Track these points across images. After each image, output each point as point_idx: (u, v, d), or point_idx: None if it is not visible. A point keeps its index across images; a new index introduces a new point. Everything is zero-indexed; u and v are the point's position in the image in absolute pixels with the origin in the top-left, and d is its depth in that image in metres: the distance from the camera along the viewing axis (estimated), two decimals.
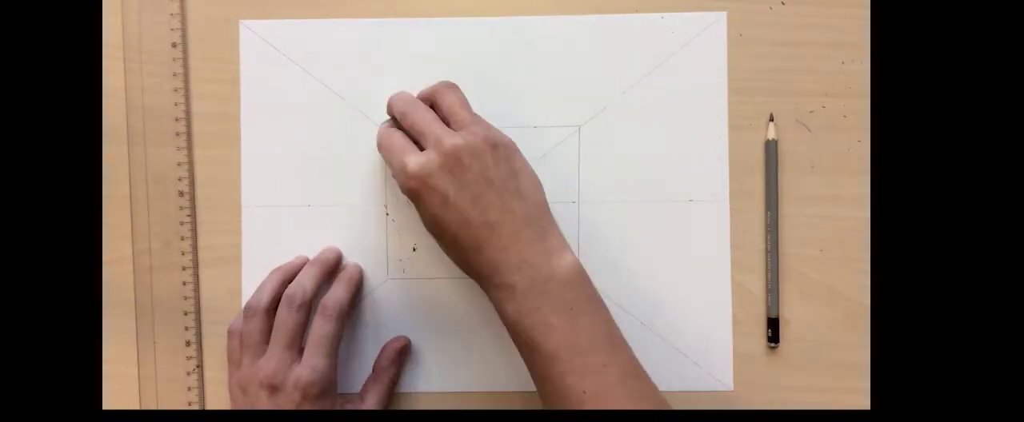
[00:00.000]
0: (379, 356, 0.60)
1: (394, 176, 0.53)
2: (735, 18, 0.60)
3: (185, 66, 0.61)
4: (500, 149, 0.52)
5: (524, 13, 0.61)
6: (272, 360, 0.54)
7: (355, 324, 0.61)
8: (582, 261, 0.59)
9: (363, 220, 0.61)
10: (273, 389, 0.53)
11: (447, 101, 0.54)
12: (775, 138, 0.59)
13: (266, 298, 0.56)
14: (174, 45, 0.61)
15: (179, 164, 0.61)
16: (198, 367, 0.61)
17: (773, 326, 0.59)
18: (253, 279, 0.60)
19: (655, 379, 0.60)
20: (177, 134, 0.61)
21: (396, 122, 0.55)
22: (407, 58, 0.61)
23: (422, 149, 0.52)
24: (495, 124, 0.59)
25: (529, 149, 0.59)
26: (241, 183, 0.61)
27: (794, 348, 0.60)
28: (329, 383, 0.55)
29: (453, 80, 0.59)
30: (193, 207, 0.61)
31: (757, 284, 0.60)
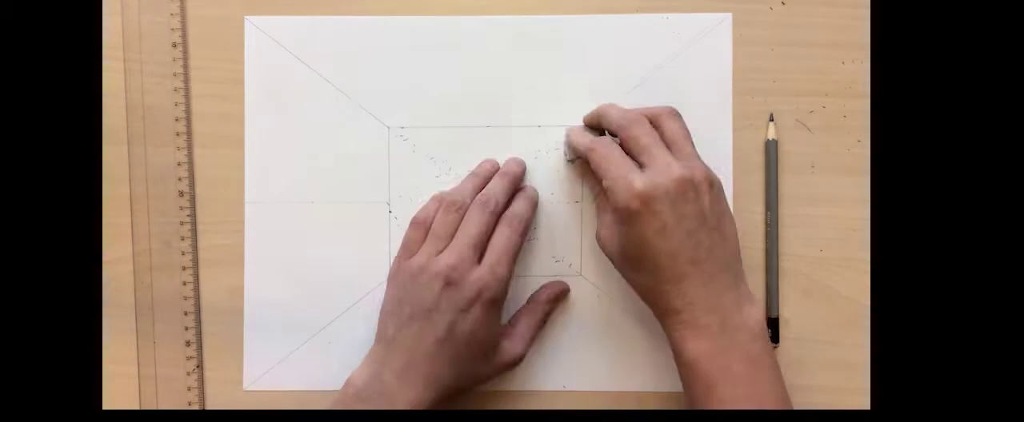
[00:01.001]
0: (539, 291, 0.60)
1: (607, 189, 0.52)
2: (735, 18, 0.60)
3: (185, 66, 0.61)
4: (716, 188, 0.52)
5: (529, 12, 0.61)
6: (455, 254, 0.54)
7: (358, 324, 0.61)
8: (584, 260, 0.60)
9: (366, 218, 0.61)
10: (450, 283, 0.53)
11: (672, 128, 0.54)
12: (775, 138, 0.59)
13: (467, 196, 0.57)
14: (174, 45, 0.61)
15: (179, 164, 0.61)
16: (198, 367, 0.61)
17: (773, 326, 0.59)
18: (256, 277, 0.60)
19: (657, 379, 0.60)
20: (177, 134, 0.61)
21: (595, 133, 0.57)
22: (412, 56, 0.61)
23: (641, 168, 0.52)
24: (500, 124, 0.60)
25: (532, 148, 0.60)
26: (244, 180, 0.61)
27: (794, 348, 0.60)
28: (503, 291, 0.55)
29: (458, 78, 0.59)
30: (193, 207, 0.61)
31: (757, 284, 0.60)
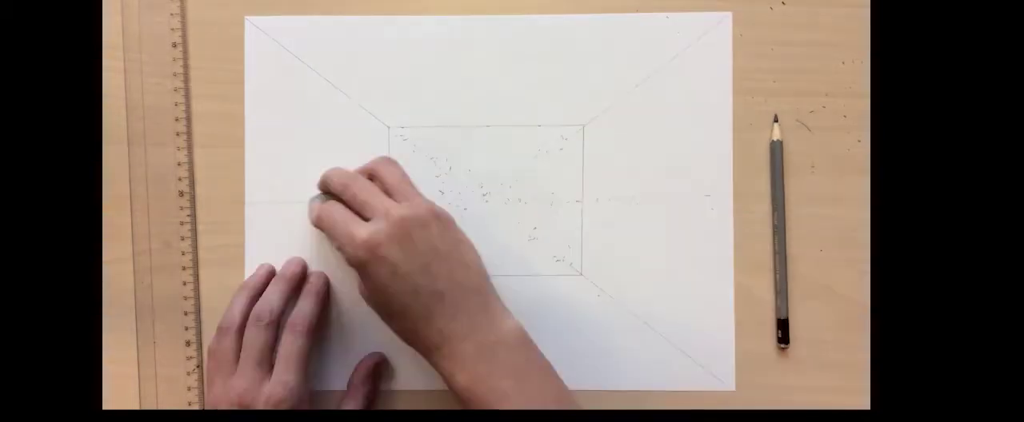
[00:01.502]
0: (353, 373, 0.60)
1: (339, 248, 0.53)
2: (736, 18, 0.60)
3: (185, 66, 0.61)
4: (444, 219, 0.53)
5: (530, 11, 0.61)
6: (243, 379, 0.54)
7: (358, 324, 0.61)
8: (586, 261, 0.60)
9: None
10: (246, 407, 0.53)
11: (390, 174, 0.56)
12: (780, 139, 0.59)
13: (237, 316, 0.56)
14: (174, 45, 0.61)
15: (179, 164, 0.61)
16: (198, 367, 0.61)
17: (783, 327, 0.59)
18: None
19: (657, 379, 0.60)
20: (177, 134, 0.61)
21: (331, 197, 0.56)
22: (412, 55, 0.61)
23: (366, 220, 0.53)
24: (499, 123, 0.60)
25: (533, 147, 0.60)
26: (245, 180, 0.61)
27: (794, 348, 0.60)
28: (300, 399, 0.55)
29: (458, 77, 0.59)
30: (193, 207, 0.61)
31: (759, 285, 0.60)
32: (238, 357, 0.55)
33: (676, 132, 0.60)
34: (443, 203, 0.60)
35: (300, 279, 0.59)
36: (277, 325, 0.56)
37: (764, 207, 0.60)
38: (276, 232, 0.61)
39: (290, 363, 0.55)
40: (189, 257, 0.61)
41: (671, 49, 0.60)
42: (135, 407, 0.60)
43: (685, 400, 0.60)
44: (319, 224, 0.55)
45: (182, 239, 0.61)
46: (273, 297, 0.57)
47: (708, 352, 0.60)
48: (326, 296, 0.60)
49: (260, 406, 0.53)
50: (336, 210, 0.54)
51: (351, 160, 0.60)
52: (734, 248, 0.60)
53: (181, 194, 0.60)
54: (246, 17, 0.61)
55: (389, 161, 0.57)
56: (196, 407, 0.60)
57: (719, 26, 0.60)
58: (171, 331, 0.61)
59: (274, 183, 0.61)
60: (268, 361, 0.55)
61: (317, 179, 0.59)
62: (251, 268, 0.61)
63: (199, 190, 0.61)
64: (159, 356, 0.61)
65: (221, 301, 0.60)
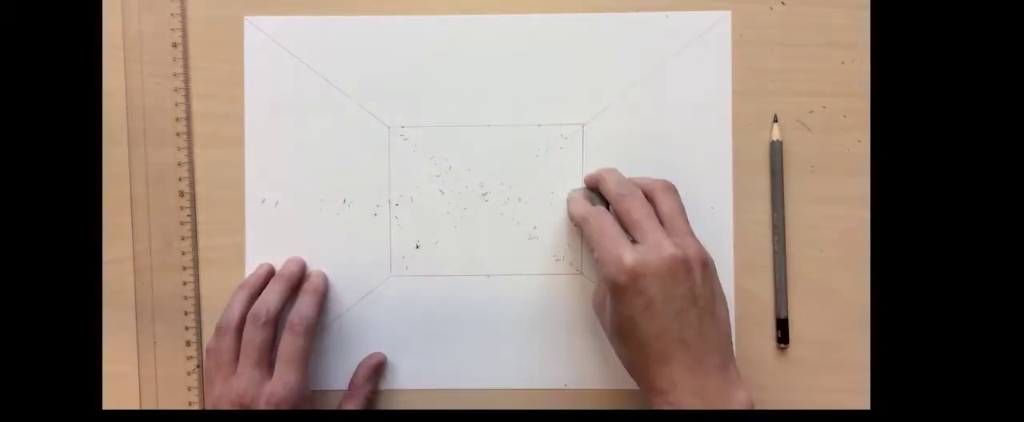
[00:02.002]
0: (355, 374, 0.60)
1: (598, 260, 0.52)
2: (735, 18, 0.60)
3: (185, 66, 0.61)
4: (709, 268, 0.51)
5: (529, 11, 0.61)
6: (242, 379, 0.54)
7: (358, 323, 0.61)
8: (586, 260, 0.60)
9: (367, 217, 0.61)
10: (246, 406, 0.53)
11: (668, 204, 0.54)
12: (780, 139, 0.59)
13: (236, 316, 0.56)
14: (175, 45, 0.61)
15: (179, 164, 0.61)
16: (198, 367, 0.61)
17: (783, 327, 0.59)
18: None
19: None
20: (177, 134, 0.61)
21: (597, 195, 0.57)
22: (412, 55, 0.61)
23: (633, 241, 0.52)
24: (499, 123, 0.60)
25: (532, 147, 0.60)
26: (245, 181, 0.61)
27: (794, 348, 0.60)
28: (301, 398, 0.55)
29: (458, 76, 0.59)
30: (193, 207, 0.61)
31: (759, 285, 0.60)
32: (237, 357, 0.55)
33: (676, 131, 0.60)
34: (443, 202, 0.60)
35: (299, 278, 0.59)
36: (275, 324, 0.56)
37: (763, 207, 0.60)
38: (276, 232, 0.61)
39: (290, 363, 0.55)
40: (189, 257, 0.61)
41: (670, 48, 0.60)
42: (135, 407, 0.60)
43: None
44: (583, 226, 0.54)
45: (182, 239, 0.61)
46: (271, 296, 0.57)
47: None
48: (325, 295, 0.60)
49: (261, 406, 0.53)
50: (607, 222, 0.53)
51: (351, 160, 0.60)
52: (733, 248, 0.60)
53: (181, 194, 0.61)
54: (245, 17, 0.61)
55: (670, 188, 0.55)
56: (196, 407, 0.60)
57: (718, 25, 0.60)
58: (171, 331, 0.61)
59: (274, 183, 0.61)
60: (267, 360, 0.55)
61: (318, 180, 0.59)
62: (252, 268, 0.61)
63: (199, 190, 0.61)
64: (159, 356, 0.61)
65: (222, 301, 0.60)
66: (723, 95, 0.60)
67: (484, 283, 0.60)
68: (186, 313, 0.61)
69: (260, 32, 0.61)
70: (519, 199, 0.60)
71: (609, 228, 0.52)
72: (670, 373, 0.49)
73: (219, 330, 0.56)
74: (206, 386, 0.57)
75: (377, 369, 0.60)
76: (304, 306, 0.57)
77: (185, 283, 0.61)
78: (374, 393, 0.60)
